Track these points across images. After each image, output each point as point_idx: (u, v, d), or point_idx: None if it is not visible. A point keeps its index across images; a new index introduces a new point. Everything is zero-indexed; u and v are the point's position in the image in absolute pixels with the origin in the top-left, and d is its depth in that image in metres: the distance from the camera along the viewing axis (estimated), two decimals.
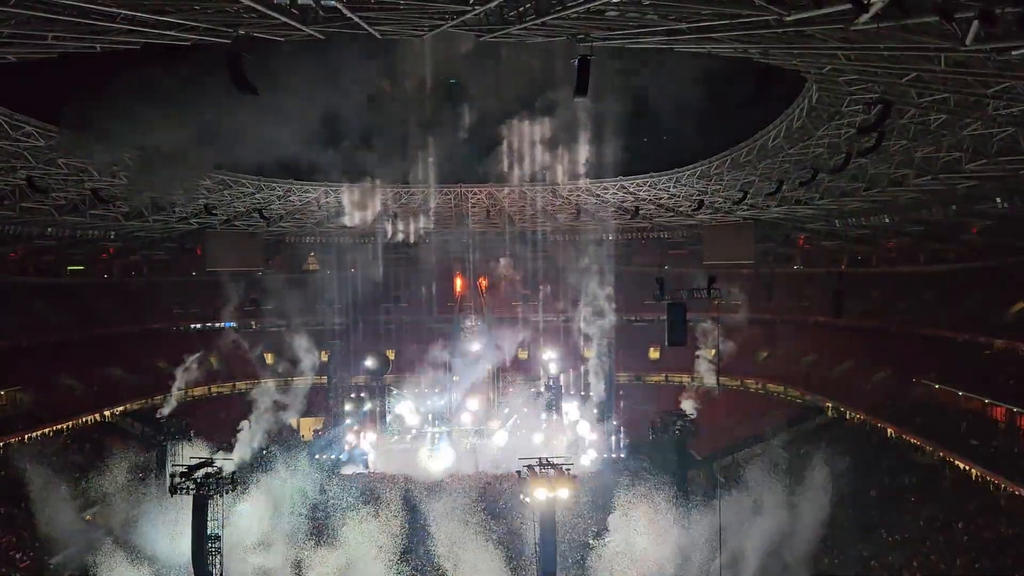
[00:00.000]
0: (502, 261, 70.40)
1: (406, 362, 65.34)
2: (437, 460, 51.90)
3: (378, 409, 57.38)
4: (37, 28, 18.91)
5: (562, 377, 60.33)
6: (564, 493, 30.32)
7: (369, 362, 60.27)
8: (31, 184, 36.98)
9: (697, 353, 54.32)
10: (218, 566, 30.31)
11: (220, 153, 38.50)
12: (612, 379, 58.61)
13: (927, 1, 14.07)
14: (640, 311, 63.94)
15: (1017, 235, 44.19)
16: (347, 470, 51.71)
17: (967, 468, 37.22)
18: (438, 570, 35.86)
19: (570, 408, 57.36)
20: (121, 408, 54.41)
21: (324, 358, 60.03)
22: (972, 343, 46.03)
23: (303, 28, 18.53)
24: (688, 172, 48.41)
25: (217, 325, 64.57)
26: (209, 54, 21.27)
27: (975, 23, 13.88)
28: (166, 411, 49.95)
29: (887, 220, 49.36)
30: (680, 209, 57.70)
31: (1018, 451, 35.43)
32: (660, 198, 55.71)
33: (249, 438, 46.48)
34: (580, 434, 54.55)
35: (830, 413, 51.65)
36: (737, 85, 25.93)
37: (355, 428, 56.67)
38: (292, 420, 56.89)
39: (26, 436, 44.01)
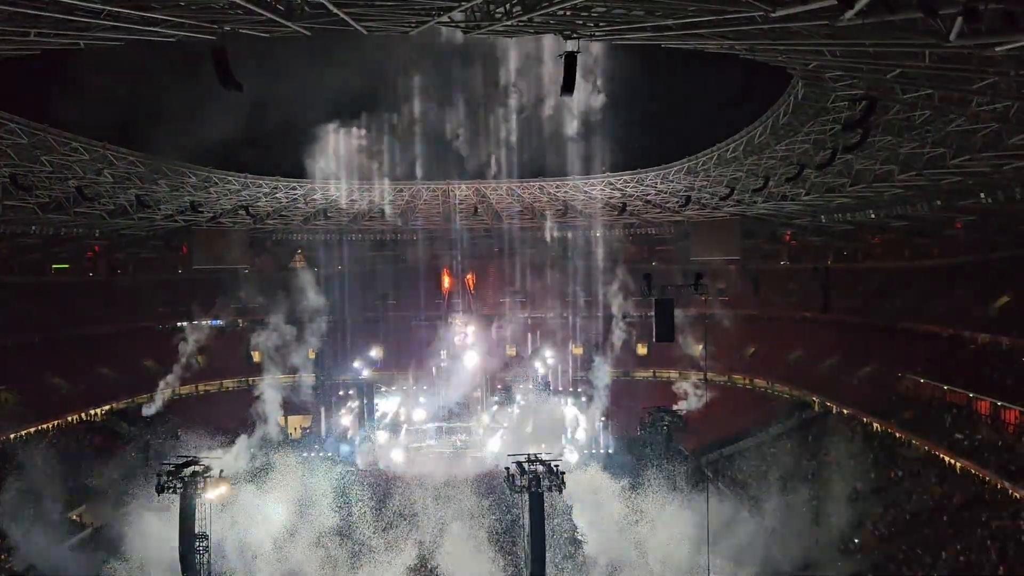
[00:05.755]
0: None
1: (394, 360, 65.18)
2: (426, 457, 51.75)
3: (365, 407, 57.15)
4: (20, 25, 18.75)
5: (551, 373, 60.29)
6: None
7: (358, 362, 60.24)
8: (14, 182, 36.67)
9: (685, 349, 54.52)
10: (206, 564, 30.17)
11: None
12: (602, 375, 58.56)
13: None
14: (628, 307, 63.95)
15: (1000, 230, 44.59)
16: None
17: (952, 461, 37.54)
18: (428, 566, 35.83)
19: (559, 404, 57.33)
20: (107, 407, 54.01)
21: (312, 356, 59.76)
22: (957, 338, 46.41)
23: (289, 24, 18.43)
24: (675, 168, 48.54)
25: (203, 323, 64.15)
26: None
27: (959, 19, 13.97)
28: (152, 410, 49.72)
29: (872, 216, 49.70)
30: (667, 205, 57.85)
31: (1002, 444, 35.74)
32: (647, 194, 55.84)
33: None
34: (568, 429, 54.51)
35: (816, 408, 51.88)
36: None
37: (345, 424, 56.46)
38: (280, 418, 56.58)
39: (11, 436, 43.61)
